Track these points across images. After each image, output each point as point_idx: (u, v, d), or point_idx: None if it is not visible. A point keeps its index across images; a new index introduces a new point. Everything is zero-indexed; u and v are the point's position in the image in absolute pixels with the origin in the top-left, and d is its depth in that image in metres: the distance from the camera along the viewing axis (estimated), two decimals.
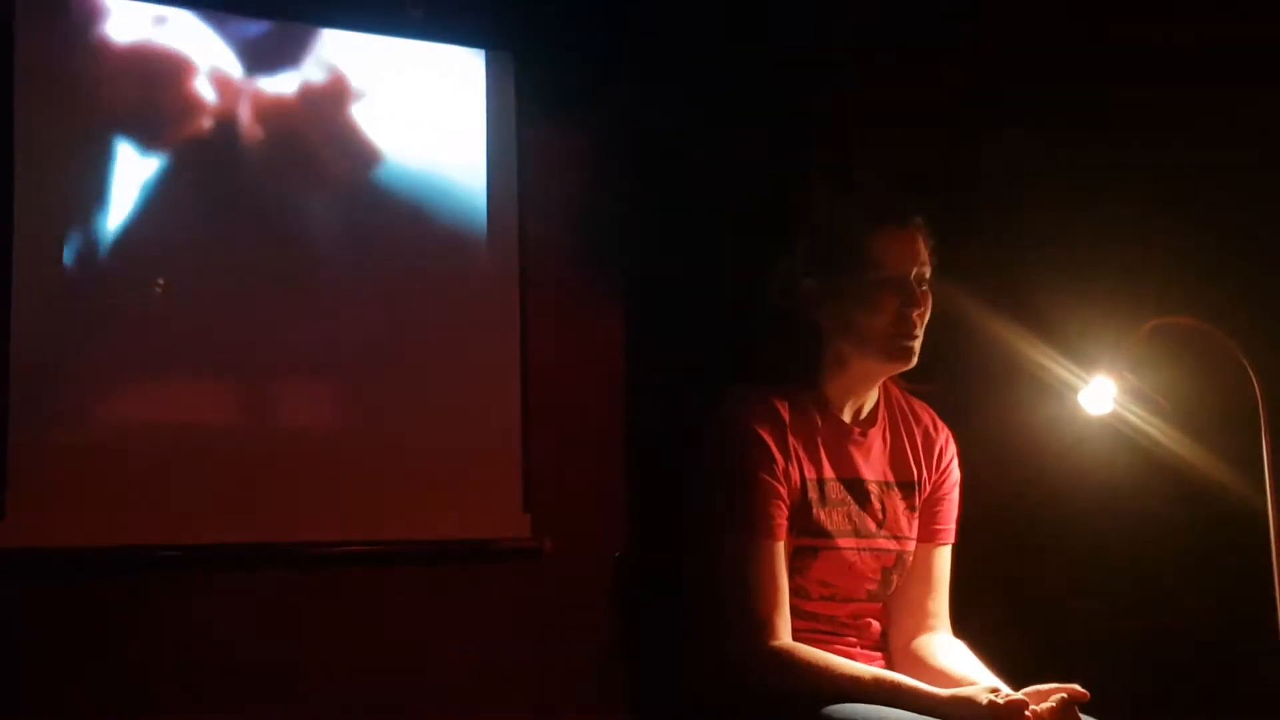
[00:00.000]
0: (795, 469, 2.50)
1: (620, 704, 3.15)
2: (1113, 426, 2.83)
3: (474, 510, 3.57)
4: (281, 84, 3.63)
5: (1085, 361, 2.80)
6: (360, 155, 3.65)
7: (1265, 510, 2.68)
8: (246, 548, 3.44)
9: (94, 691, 3.16)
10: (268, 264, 3.58)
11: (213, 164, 3.56)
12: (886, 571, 2.59)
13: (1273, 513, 2.68)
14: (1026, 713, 2.24)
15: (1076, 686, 2.28)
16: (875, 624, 2.63)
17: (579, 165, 3.69)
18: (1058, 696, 2.25)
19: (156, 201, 3.50)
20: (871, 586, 2.59)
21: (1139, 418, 2.80)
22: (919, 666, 2.54)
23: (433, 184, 3.69)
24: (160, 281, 3.45)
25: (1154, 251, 3.26)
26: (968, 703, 2.25)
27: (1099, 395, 2.74)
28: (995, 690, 2.26)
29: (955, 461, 2.71)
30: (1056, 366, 2.90)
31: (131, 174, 3.48)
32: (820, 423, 2.57)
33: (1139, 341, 2.72)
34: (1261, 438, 2.70)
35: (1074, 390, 2.80)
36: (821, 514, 2.53)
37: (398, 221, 3.68)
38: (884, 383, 2.66)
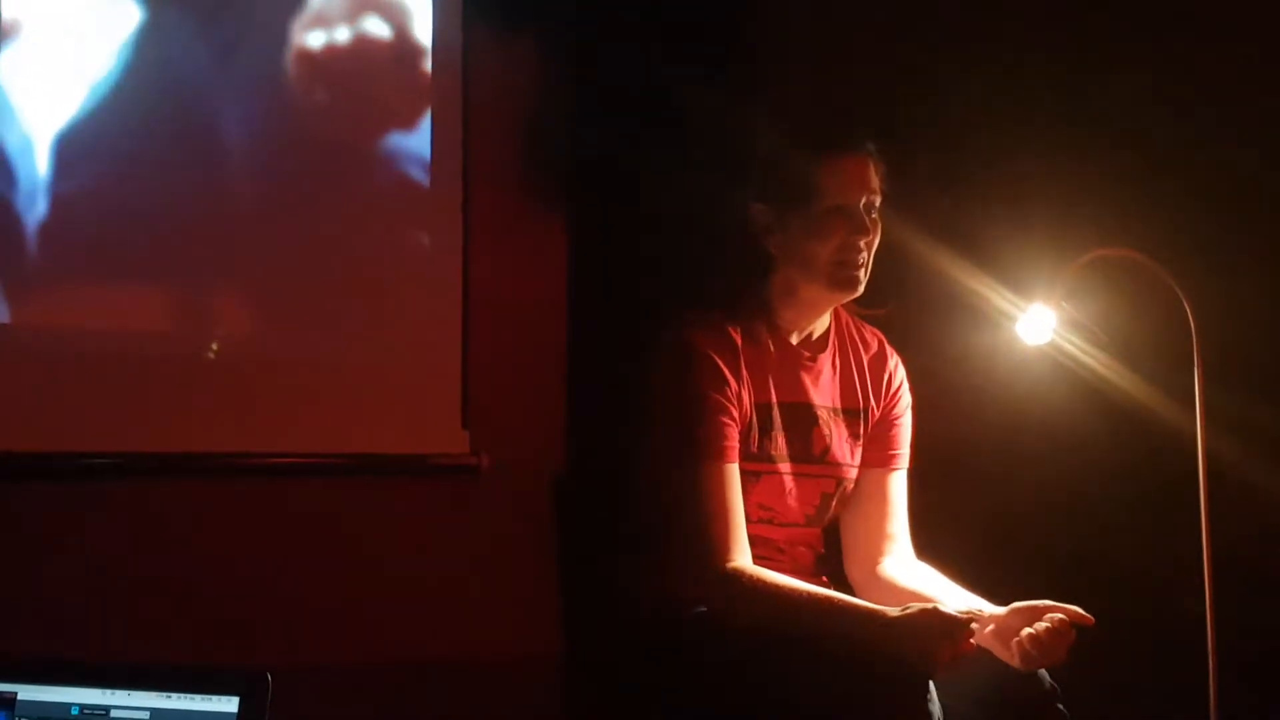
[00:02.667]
0: (746, 392, 2.50)
1: (553, 622, 3.18)
2: (1050, 356, 2.87)
3: (411, 425, 3.55)
4: None
5: (1023, 291, 2.83)
6: (297, 63, 3.59)
7: (1195, 440, 2.74)
8: (177, 457, 3.40)
9: (19, 598, 3.14)
10: (201, 172, 3.52)
11: (137, 69, 3.48)
12: (825, 498, 2.61)
13: (1202, 442, 2.74)
14: (1022, 634, 2.25)
15: (1079, 610, 2.28)
16: (809, 550, 2.65)
17: (526, 79, 3.64)
18: (1054, 616, 2.25)
19: (79, 109, 3.43)
20: (810, 511, 2.60)
21: (1076, 347, 2.84)
22: (884, 590, 2.55)
23: (374, 96, 3.64)
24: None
25: (1092, 183, 3.29)
26: (915, 620, 2.24)
27: (1037, 325, 2.77)
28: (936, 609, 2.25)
29: (905, 386, 2.72)
30: (994, 295, 2.92)
31: (56, 80, 3.41)
32: (770, 347, 2.56)
33: (1077, 272, 2.75)
34: (1194, 369, 2.75)
35: (1011, 319, 2.83)
36: (766, 439, 2.53)
37: (337, 133, 3.63)
38: (835, 308, 2.66)
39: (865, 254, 2.51)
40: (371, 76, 3.62)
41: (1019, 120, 3.37)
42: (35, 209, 3.35)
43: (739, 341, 2.52)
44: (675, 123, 3.42)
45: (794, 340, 2.60)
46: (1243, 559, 2.83)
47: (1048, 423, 3.21)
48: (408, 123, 3.62)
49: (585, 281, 3.56)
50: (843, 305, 2.66)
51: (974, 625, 2.26)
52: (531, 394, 3.55)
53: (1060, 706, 2.33)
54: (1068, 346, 2.83)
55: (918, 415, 2.73)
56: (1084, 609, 2.29)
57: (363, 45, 3.62)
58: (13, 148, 3.37)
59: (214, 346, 3.46)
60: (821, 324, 2.64)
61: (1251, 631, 2.86)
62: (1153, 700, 3.06)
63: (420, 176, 3.60)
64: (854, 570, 2.67)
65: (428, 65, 3.62)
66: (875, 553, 2.64)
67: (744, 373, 2.50)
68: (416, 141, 3.61)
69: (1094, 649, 2.31)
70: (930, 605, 2.28)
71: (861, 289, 2.54)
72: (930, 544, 2.67)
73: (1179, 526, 2.77)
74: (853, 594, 2.51)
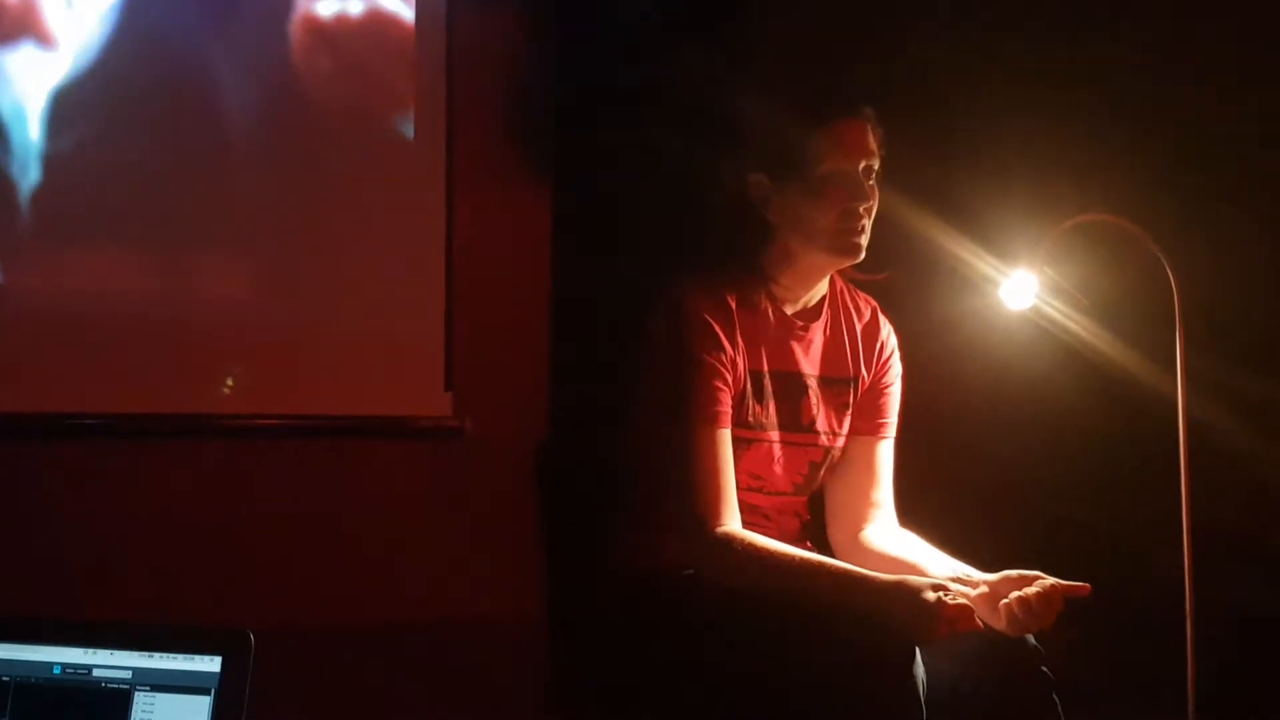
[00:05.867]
0: (741, 359, 2.50)
1: (537, 584, 3.19)
2: (1032, 321, 2.88)
3: (394, 387, 3.54)
4: None
5: (1006, 256, 2.83)
6: (285, 26, 3.57)
7: (1176, 404, 2.75)
8: (162, 418, 3.40)
9: (2, 557, 3.14)
10: (186, 134, 3.50)
11: (124, 30, 3.46)
12: (814, 466, 2.62)
13: (1183, 406, 2.75)
14: (1010, 598, 2.26)
15: (1074, 583, 2.28)
16: (795, 518, 2.66)
17: (510, 35, 3.62)
18: (1044, 583, 2.27)
19: (69, 71, 3.41)
20: (798, 480, 2.61)
21: (1059, 312, 2.85)
22: (868, 556, 2.56)
23: (357, 56, 3.62)
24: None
25: (1075, 147, 3.29)
26: (911, 593, 2.25)
27: (1019, 290, 2.78)
28: (942, 587, 2.25)
29: (896, 356, 2.73)
30: (977, 260, 2.92)
31: (42, 40, 3.39)
32: (764, 315, 2.56)
33: (1059, 237, 2.76)
34: (1176, 332, 2.76)
35: (994, 284, 2.83)
36: (757, 407, 2.54)
37: (320, 94, 3.61)
38: (831, 275, 2.66)
39: (866, 219, 2.52)
40: (355, 36, 3.60)
41: (1002, 85, 3.36)
42: (27, 173, 3.34)
43: (734, 307, 2.52)
44: (660, 83, 3.41)
45: (789, 309, 2.60)
46: (1222, 522, 2.85)
47: (1029, 387, 3.21)
48: (391, 82, 3.60)
49: (569, 244, 3.56)
50: (840, 271, 2.65)
51: (970, 602, 2.26)
52: (515, 356, 3.54)
53: (1044, 669, 2.34)
54: (1050, 311, 2.84)
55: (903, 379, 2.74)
56: (1064, 573, 2.30)
57: (347, 5, 3.60)
58: (5, 111, 3.36)
59: (195, 310, 3.45)
60: (818, 292, 2.63)
61: (1231, 596, 2.88)
62: (1133, 663, 3.07)
63: (403, 138, 3.59)
64: (837, 536, 2.68)
65: (411, 23, 3.61)
66: (859, 520, 2.65)
67: (739, 339, 2.51)
68: (399, 101, 3.59)
69: (1076, 612, 2.32)
70: (927, 581, 2.29)
71: (863, 254, 2.54)
72: (911, 509, 2.69)
73: (1160, 490, 2.79)
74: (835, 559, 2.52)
